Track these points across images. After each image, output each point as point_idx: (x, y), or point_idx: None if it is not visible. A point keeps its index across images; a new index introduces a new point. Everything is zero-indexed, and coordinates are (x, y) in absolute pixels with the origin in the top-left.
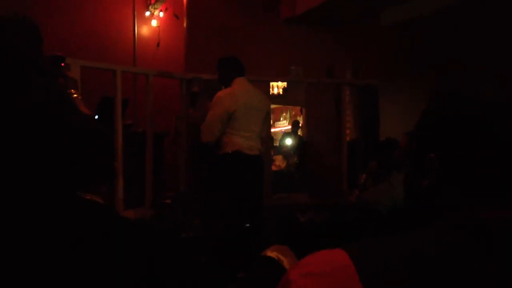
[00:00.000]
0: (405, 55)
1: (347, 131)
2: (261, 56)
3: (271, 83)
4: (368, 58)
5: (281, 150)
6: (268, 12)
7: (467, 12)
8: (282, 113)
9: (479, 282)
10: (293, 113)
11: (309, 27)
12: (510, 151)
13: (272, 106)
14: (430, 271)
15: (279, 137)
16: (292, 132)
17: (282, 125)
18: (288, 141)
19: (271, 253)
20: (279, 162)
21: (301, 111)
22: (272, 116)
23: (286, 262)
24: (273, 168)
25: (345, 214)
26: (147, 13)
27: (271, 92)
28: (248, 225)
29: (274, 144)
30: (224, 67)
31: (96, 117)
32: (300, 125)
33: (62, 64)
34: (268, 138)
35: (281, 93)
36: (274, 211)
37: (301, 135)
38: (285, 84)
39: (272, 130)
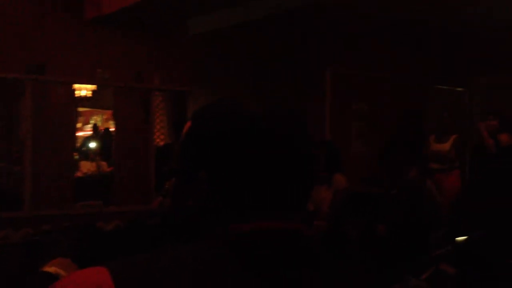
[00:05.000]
0: (213, 62)
1: (161, 136)
2: (64, 56)
3: (78, 85)
4: (178, 64)
5: (85, 154)
6: (71, 10)
7: (271, 25)
8: (93, 116)
9: None
10: (105, 117)
11: (118, 30)
12: (265, 165)
13: (81, 109)
14: (189, 285)
15: (86, 141)
16: (94, 136)
17: (89, 129)
18: (92, 145)
19: (49, 268)
20: (86, 167)
21: (113, 115)
22: (82, 119)
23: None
24: (79, 174)
25: (148, 221)
26: None
27: (78, 94)
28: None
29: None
30: None
31: None
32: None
33: None
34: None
35: (89, 95)
36: (76, 220)
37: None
38: (94, 86)
39: (81, 134)
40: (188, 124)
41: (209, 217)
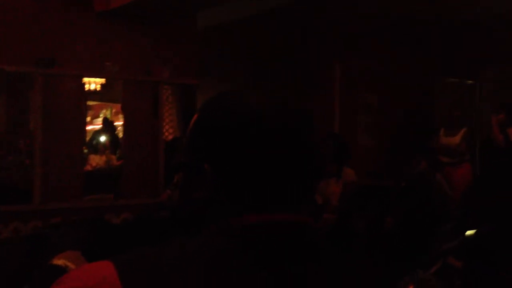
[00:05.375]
0: (222, 56)
1: (170, 130)
2: (73, 49)
3: (87, 79)
4: (187, 57)
5: (94, 148)
6: (81, 3)
7: (282, 17)
8: (102, 110)
9: (245, 285)
10: (114, 110)
11: (127, 23)
12: (270, 159)
13: (90, 102)
14: (196, 278)
15: (95, 135)
16: (104, 130)
17: (98, 123)
18: (102, 138)
19: (58, 261)
20: (95, 161)
21: (122, 108)
22: (91, 112)
23: None
24: (88, 168)
25: (157, 214)
26: None
27: (87, 87)
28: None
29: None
30: None
31: None
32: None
33: None
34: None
35: (98, 89)
36: (85, 213)
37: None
38: (103, 80)
39: (90, 127)
40: (195, 116)
41: (215, 210)
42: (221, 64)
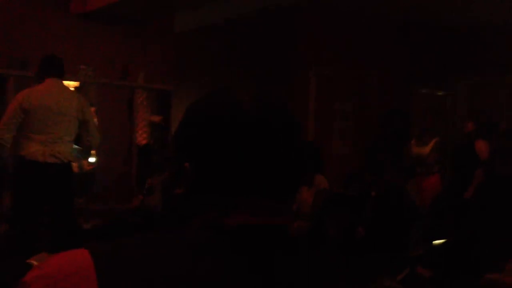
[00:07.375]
0: (198, 61)
1: (144, 135)
2: (48, 51)
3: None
4: (162, 62)
5: None
6: (57, 5)
7: (253, 24)
8: None
9: (221, 281)
10: None
11: (103, 26)
12: (253, 157)
13: None
14: (169, 273)
15: None
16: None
17: None
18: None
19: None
20: None
21: (96, 112)
22: None
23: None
24: None
25: (129, 219)
26: None
27: None
28: None
29: None
30: (39, 66)
31: None
32: None
33: None
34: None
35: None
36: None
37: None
38: (77, 83)
39: None
40: (183, 115)
41: (194, 207)
42: (196, 70)
